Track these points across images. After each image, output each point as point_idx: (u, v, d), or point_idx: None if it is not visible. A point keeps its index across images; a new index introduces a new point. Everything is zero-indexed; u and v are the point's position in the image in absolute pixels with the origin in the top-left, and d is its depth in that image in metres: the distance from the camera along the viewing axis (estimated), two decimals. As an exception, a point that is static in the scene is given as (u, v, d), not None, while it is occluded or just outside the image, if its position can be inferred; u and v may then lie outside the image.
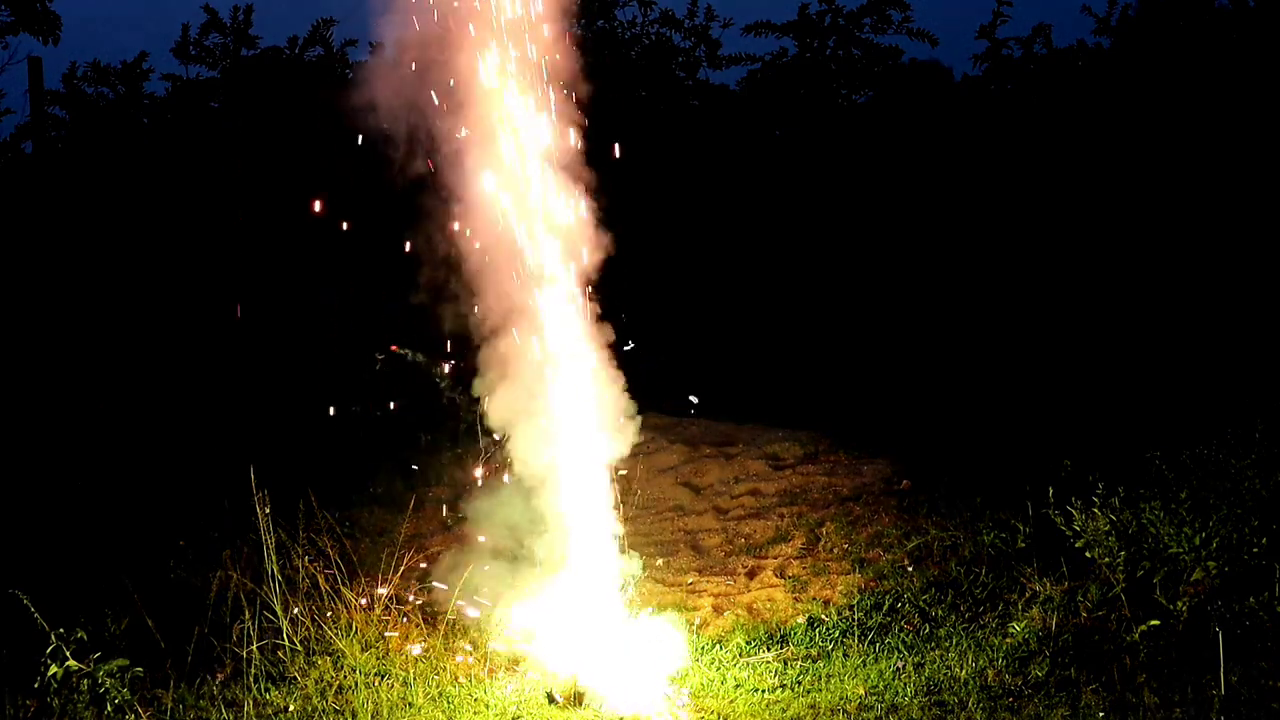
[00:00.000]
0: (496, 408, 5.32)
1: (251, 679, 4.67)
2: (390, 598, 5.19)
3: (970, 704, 4.44)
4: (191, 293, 10.00)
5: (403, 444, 8.03)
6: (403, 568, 5.37)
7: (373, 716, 4.48)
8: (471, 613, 5.31)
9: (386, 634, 5.04)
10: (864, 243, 11.49)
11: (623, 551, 6.38)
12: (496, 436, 5.46)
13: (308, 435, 8.00)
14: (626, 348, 5.37)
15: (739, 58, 13.14)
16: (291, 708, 4.57)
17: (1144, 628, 4.60)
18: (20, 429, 7.65)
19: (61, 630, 4.27)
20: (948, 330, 11.34)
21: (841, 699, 4.60)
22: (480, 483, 5.96)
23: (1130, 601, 4.81)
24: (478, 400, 5.50)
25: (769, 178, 11.95)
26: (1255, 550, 4.69)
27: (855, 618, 5.25)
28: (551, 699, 4.66)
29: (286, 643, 4.83)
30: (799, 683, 4.79)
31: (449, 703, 4.65)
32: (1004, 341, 10.59)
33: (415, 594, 5.51)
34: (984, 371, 9.37)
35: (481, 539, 5.80)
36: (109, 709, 4.23)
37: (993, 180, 11.29)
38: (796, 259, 11.52)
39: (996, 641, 4.90)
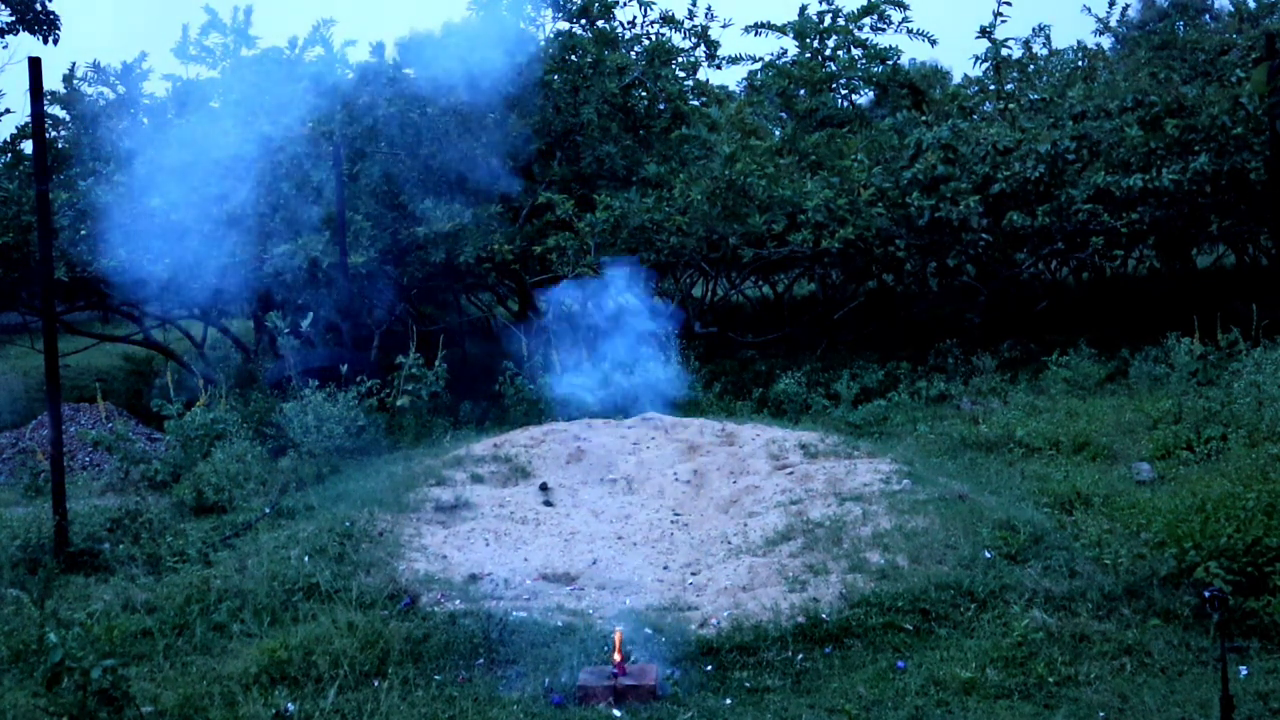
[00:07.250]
0: None
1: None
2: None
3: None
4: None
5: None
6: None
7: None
8: None
9: None
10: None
11: (624, 549, 6.38)
12: None
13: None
14: None
15: (739, 58, 13.16)
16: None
17: None
18: None
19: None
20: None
21: (842, 697, 4.60)
22: None
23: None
24: None
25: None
26: None
27: (855, 616, 5.24)
28: (554, 698, 4.66)
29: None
30: (799, 681, 4.78)
31: (453, 702, 4.65)
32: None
33: None
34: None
35: None
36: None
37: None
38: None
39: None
